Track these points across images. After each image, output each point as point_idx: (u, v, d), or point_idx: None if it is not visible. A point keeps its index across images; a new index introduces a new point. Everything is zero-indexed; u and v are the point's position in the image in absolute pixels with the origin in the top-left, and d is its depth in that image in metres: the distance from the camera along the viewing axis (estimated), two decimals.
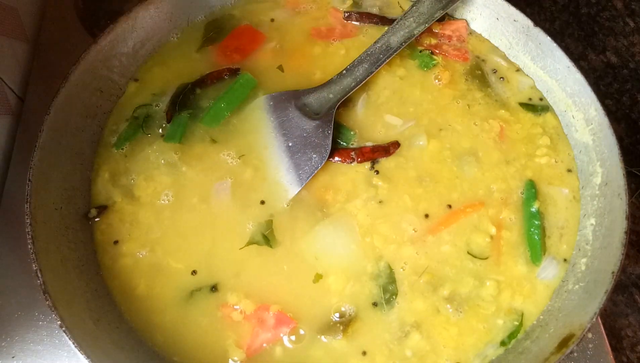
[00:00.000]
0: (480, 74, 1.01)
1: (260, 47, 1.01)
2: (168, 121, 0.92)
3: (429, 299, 0.82)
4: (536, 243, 0.87)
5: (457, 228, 0.87)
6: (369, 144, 0.92)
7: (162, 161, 0.89)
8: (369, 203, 0.87)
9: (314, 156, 0.88)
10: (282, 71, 0.99)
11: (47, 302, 0.70)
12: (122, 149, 0.90)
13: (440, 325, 0.81)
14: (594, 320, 0.75)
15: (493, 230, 0.87)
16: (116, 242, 0.84)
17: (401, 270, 0.83)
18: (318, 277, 0.82)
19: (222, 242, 0.84)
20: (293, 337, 0.79)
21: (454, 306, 0.82)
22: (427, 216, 0.87)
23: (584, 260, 0.86)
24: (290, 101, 0.92)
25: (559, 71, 0.97)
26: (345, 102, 0.94)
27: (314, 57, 1.01)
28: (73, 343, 0.69)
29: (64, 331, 0.69)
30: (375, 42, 0.96)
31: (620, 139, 1.00)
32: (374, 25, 1.05)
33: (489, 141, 0.95)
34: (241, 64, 0.99)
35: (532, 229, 0.88)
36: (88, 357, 0.69)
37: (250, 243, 0.83)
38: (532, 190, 0.90)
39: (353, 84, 0.93)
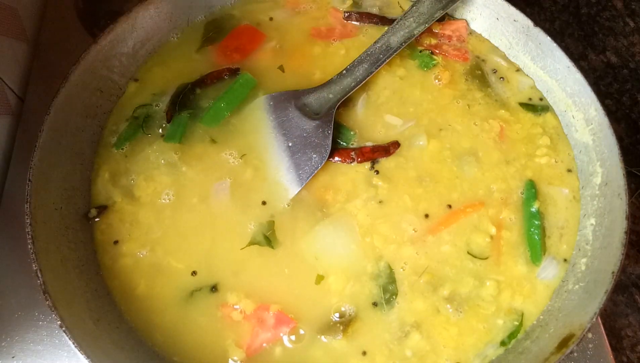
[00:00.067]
0: (480, 74, 1.01)
1: (260, 47, 1.01)
2: (168, 121, 0.92)
3: (429, 299, 0.82)
4: (536, 243, 0.87)
5: (457, 228, 0.87)
6: (369, 144, 0.92)
7: (162, 161, 0.89)
8: (369, 203, 0.87)
9: (314, 156, 0.88)
10: (283, 71, 0.99)
11: (47, 302, 0.70)
12: (122, 149, 0.90)
13: (440, 325, 0.81)
14: (594, 320, 0.75)
15: (493, 230, 0.87)
16: (116, 242, 0.84)
17: (401, 270, 0.83)
18: (320, 278, 0.82)
19: (222, 242, 0.84)
20: (293, 337, 0.79)
21: (454, 306, 0.82)
22: (427, 216, 0.87)
23: (584, 260, 0.86)
24: (290, 101, 0.92)
25: (559, 71, 0.97)
26: (345, 102, 0.94)
27: (314, 57, 1.01)
28: (73, 343, 0.69)
29: (64, 331, 0.69)
30: (375, 42, 0.96)
31: (620, 139, 1.00)
32: (374, 25, 1.05)
33: (489, 141, 0.95)
34: (241, 64, 0.99)
35: (532, 229, 0.88)
36: (88, 357, 0.69)
37: (251, 243, 0.83)
38: (532, 190, 0.90)
39: (353, 84, 0.93)
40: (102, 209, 0.86)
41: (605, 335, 0.89)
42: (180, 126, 0.91)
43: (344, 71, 0.94)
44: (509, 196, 0.91)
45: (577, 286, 0.84)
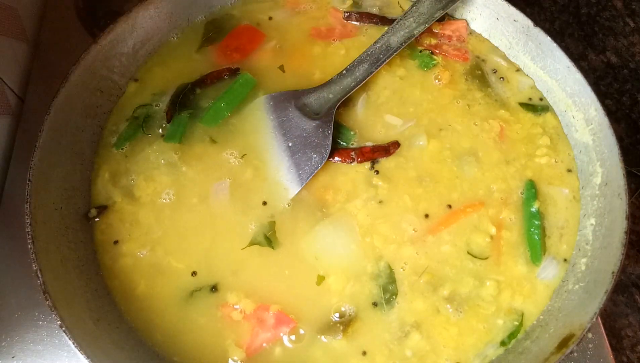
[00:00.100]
0: (480, 74, 1.01)
1: (260, 47, 1.01)
2: (168, 121, 0.92)
3: (429, 299, 0.82)
4: (536, 243, 0.87)
5: (457, 228, 0.87)
6: (369, 144, 0.92)
7: (162, 161, 0.89)
8: (369, 203, 0.87)
9: (314, 156, 0.88)
10: (283, 70, 0.99)
11: (47, 302, 0.70)
12: (122, 149, 0.90)
13: (440, 325, 0.81)
14: (594, 320, 0.75)
15: (493, 230, 0.87)
16: (116, 242, 0.84)
17: (401, 270, 0.83)
18: (320, 278, 0.82)
19: (222, 242, 0.84)
20: (293, 337, 0.79)
21: (454, 306, 0.82)
22: (427, 216, 0.87)
23: (584, 260, 0.86)
24: (290, 101, 0.92)
25: (559, 71, 0.97)
26: (345, 102, 0.94)
27: (314, 57, 1.01)
28: (73, 343, 0.69)
29: (64, 331, 0.69)
30: (375, 42, 0.96)
31: (620, 139, 1.00)
32: (374, 25, 1.05)
33: (489, 141, 0.95)
34: (241, 63, 0.99)
35: (532, 229, 0.88)
36: (88, 357, 0.69)
37: (252, 243, 0.83)
38: (532, 190, 0.90)
39: (353, 84, 0.93)
40: (102, 209, 0.86)
41: (605, 335, 0.90)
42: (180, 126, 0.91)
43: (344, 71, 0.94)
44: (509, 196, 0.91)
45: (577, 286, 0.84)
